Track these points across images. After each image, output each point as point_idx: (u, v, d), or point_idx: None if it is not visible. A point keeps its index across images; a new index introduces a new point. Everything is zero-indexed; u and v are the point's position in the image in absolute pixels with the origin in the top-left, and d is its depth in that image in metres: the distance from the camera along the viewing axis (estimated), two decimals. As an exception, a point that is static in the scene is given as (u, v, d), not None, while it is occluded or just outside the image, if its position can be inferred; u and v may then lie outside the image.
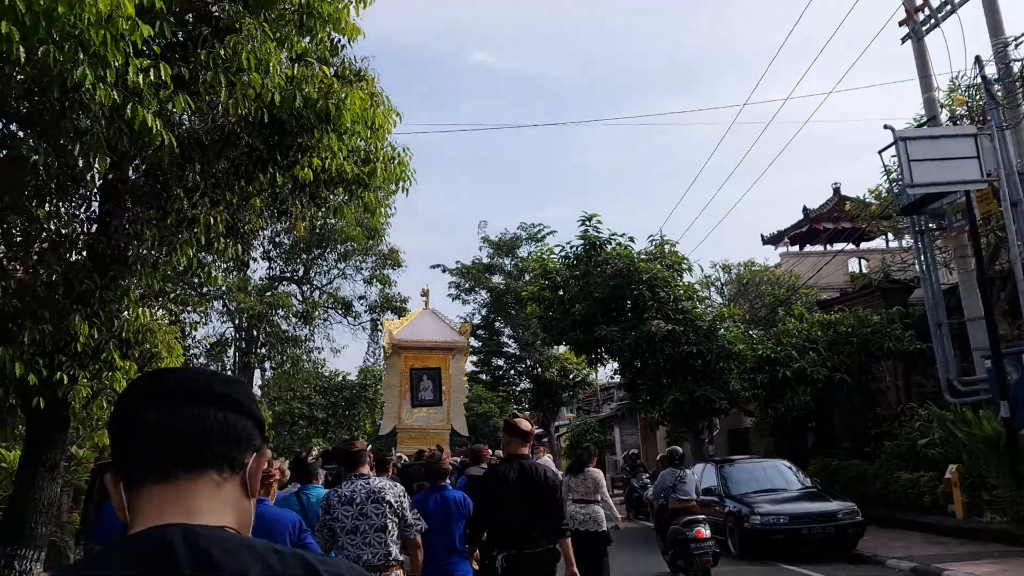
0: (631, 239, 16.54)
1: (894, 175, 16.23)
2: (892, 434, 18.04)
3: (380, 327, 17.37)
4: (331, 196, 7.82)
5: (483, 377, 39.71)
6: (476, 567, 6.04)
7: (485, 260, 38.50)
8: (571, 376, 38.87)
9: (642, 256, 16.12)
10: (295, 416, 27.10)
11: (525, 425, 5.34)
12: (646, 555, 13.19)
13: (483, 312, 39.00)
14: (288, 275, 16.99)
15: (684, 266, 16.64)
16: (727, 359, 16.19)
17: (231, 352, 15.74)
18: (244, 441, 1.12)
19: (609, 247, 16.62)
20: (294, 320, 16.36)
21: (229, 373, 15.73)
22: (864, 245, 27.35)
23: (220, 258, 7.90)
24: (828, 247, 26.97)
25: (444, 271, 37.94)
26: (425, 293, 16.53)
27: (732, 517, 12.73)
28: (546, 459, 10.97)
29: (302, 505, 5.55)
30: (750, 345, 16.72)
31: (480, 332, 39.03)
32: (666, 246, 16.81)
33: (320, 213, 8.13)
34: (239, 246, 8.23)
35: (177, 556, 0.98)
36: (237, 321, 14.71)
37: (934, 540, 12.71)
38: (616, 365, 18.85)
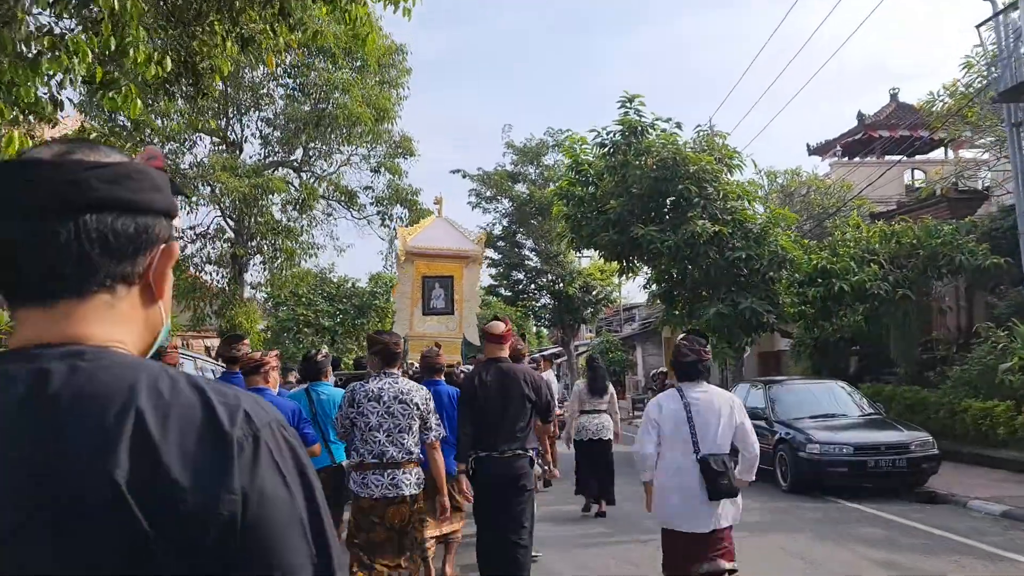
0: (678, 125, 14.42)
1: (992, 51, 13.88)
2: (950, 359, 16.25)
3: (388, 223, 15.41)
4: (306, 11, 5.91)
5: (502, 291, 38.06)
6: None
7: (508, 167, 36.41)
8: (594, 293, 37.17)
9: (689, 147, 13.99)
10: (300, 323, 25.56)
11: (499, 327, 5.34)
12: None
13: (504, 222, 37.12)
14: (284, 159, 15.04)
15: (735, 161, 14.53)
16: (779, 267, 14.25)
17: (218, 244, 13.96)
18: (140, 246, 0.94)
19: (652, 134, 14.51)
20: (289, 209, 14.46)
21: (216, 267, 13.93)
22: (921, 157, 25.00)
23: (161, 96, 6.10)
24: (881, 158, 24.62)
25: (464, 176, 35.99)
26: (438, 201, 14.86)
27: (783, 445, 11.03)
28: (547, 374, 10.58)
29: (311, 400, 5.59)
30: (805, 253, 14.72)
31: (500, 243, 37.22)
32: (716, 138, 14.67)
33: (295, 38, 6.21)
34: (194, 84, 6.35)
35: (51, 377, 0.85)
36: (222, 205, 12.87)
37: (1016, 479, 10.99)
38: (650, 273, 16.95)
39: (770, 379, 13.45)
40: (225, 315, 13.63)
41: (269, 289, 27.14)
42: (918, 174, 25.36)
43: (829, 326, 17.51)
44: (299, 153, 14.99)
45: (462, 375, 8.05)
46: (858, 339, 19.32)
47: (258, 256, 14.30)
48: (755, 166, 14.18)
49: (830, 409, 11.88)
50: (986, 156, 20.29)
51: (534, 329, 65.69)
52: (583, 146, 15.24)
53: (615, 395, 9.66)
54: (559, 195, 15.96)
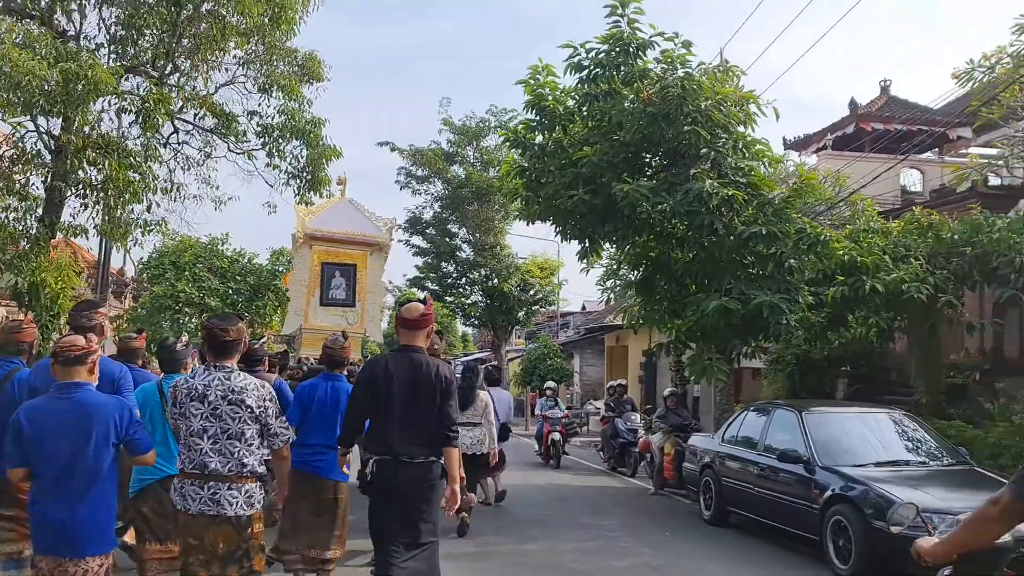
0: (685, 44, 10.39)
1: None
2: (971, 390, 13.03)
3: (278, 161, 11.15)
4: None
5: (429, 284, 33.88)
6: (346, 471, 5.49)
7: (445, 147, 32.34)
8: (531, 292, 33.32)
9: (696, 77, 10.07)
10: (180, 301, 20.92)
11: (414, 310, 4.69)
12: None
13: (436, 207, 33.00)
14: (134, 63, 10.62)
15: (752, 108, 10.74)
16: (806, 252, 10.54)
17: (18, 165, 9.40)
18: None
19: (649, 56, 10.57)
20: (127, 122, 10.02)
21: (16, 200, 9.74)
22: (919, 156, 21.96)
23: None
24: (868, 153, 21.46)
25: (393, 150, 31.78)
26: (342, 181, 12.88)
27: (841, 506, 7.22)
28: (494, 391, 9.70)
29: (163, 396, 4.94)
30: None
31: (430, 231, 33.12)
32: (730, 74, 10.81)
33: None
34: None
35: None
36: (15, 100, 8.39)
37: None
38: (618, 255, 13.14)
39: (799, 403, 9.68)
40: (22, 268, 9.19)
41: (94, 235, 22.45)
42: (914, 173, 22.31)
43: (836, 338, 14.02)
44: (153, 59, 10.55)
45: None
46: (852, 356, 16.06)
47: (79, 188, 9.76)
48: (777, 116, 10.15)
49: (898, 452, 8.18)
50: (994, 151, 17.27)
51: (460, 330, 61.68)
52: (548, 77, 11.24)
53: (490, 403, 8.96)
54: (511, 142, 11.96)
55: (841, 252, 11.29)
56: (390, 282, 39.58)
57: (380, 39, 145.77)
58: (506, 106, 32.07)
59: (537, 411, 16.10)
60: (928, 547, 2.65)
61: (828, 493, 7.42)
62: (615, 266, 16.95)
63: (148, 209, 11.01)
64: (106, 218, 10.21)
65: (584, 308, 46.05)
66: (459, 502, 4.68)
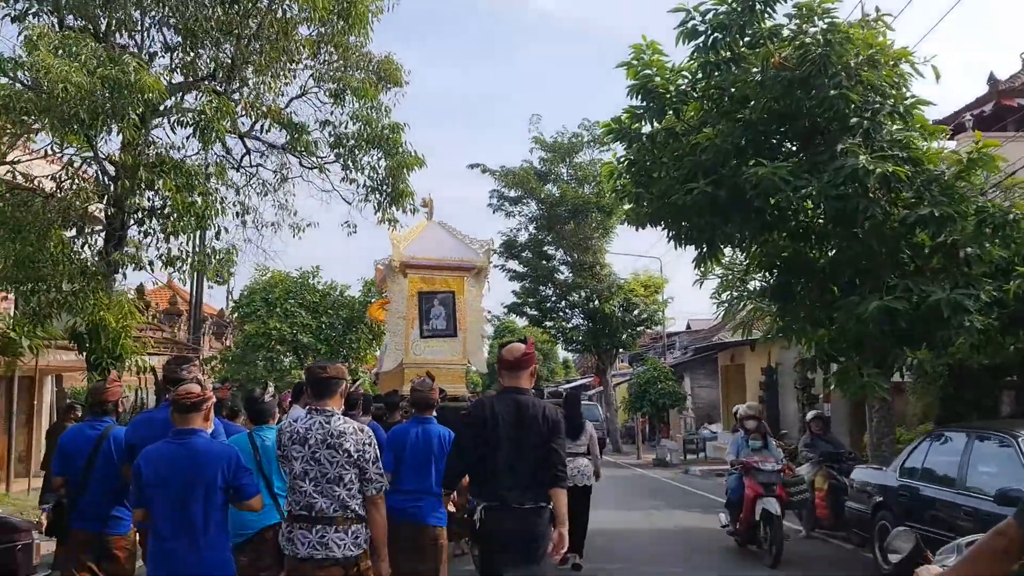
0: None
1: None
2: None
3: (355, 174, 9.96)
4: None
5: (527, 310, 32.54)
6: (452, 510, 5.46)
7: (536, 165, 31.12)
8: (635, 312, 31.51)
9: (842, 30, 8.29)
10: (271, 339, 20.15)
11: (516, 350, 4.59)
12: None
13: (531, 228, 31.73)
14: (190, 77, 9.66)
15: (903, 67, 8.90)
16: (990, 237, 8.60)
17: (76, 183, 8.48)
18: None
19: (778, 9, 8.85)
20: (184, 137, 8.97)
21: (73, 223, 8.92)
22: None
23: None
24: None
25: (484, 172, 30.73)
26: (427, 203, 11.79)
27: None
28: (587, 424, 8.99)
29: (254, 448, 5.09)
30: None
31: (525, 254, 31.84)
32: (880, 25, 8.95)
33: None
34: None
35: None
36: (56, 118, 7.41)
37: None
38: (742, 259, 11.43)
39: (1008, 425, 7.71)
40: (81, 307, 8.24)
41: (159, 267, 21.92)
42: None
43: (1012, 342, 11.80)
44: (214, 71, 9.59)
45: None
46: (1019, 365, 13.70)
47: (137, 214, 8.78)
48: (937, 76, 8.26)
49: None
50: None
51: (561, 356, 60.04)
52: (654, 55, 9.68)
53: (595, 435, 8.89)
54: (614, 133, 10.41)
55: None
56: (488, 311, 38.58)
57: (453, 80, 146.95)
58: (600, 118, 30.53)
59: (728, 455, 9.92)
60: None
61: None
62: (742, 271, 15.10)
63: (217, 236, 9.98)
64: (167, 248, 9.15)
65: (689, 327, 43.79)
66: (566, 546, 4.46)
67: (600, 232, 30.54)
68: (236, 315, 23.07)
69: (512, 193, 31.11)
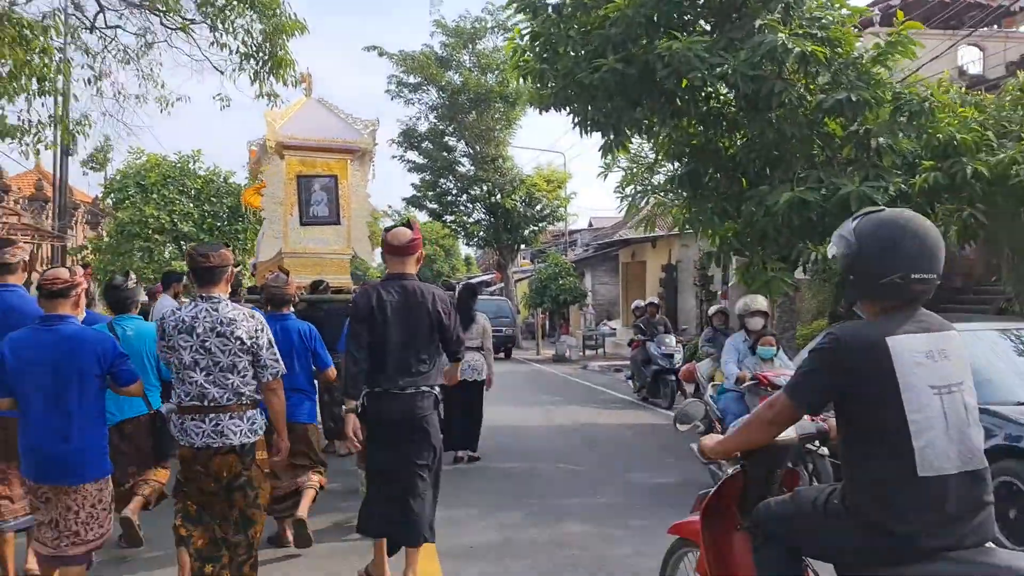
0: None
1: None
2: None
3: (225, 36, 8.72)
4: None
5: (427, 203, 31.57)
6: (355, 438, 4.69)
7: (438, 50, 29.56)
8: (537, 207, 31.00)
9: None
10: (147, 227, 18.67)
11: (402, 235, 4.54)
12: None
13: (431, 117, 30.42)
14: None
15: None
16: (904, 126, 8.24)
17: None
18: None
19: None
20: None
21: None
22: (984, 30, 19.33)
23: None
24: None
25: (381, 55, 29.02)
26: (305, 79, 10.64)
27: (1018, 464, 5.12)
28: (477, 316, 8.54)
29: (116, 338, 4.64)
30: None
31: (426, 144, 30.62)
32: None
33: None
34: None
35: None
36: None
37: None
38: (651, 145, 10.89)
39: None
40: None
41: (115, 184, 20.08)
42: (973, 51, 19.71)
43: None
44: None
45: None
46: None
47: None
48: None
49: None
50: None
51: (463, 252, 59.47)
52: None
53: (488, 329, 8.53)
54: (516, 2, 9.50)
55: (948, 125, 8.91)
56: (389, 206, 37.21)
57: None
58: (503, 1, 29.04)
59: (728, 365, 8.15)
60: (711, 445, 2.83)
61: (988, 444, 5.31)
62: (647, 164, 14.64)
63: (65, 104, 8.70)
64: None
65: (591, 225, 43.80)
66: (458, 375, 4.93)
67: (503, 124, 29.55)
68: (106, 200, 21.25)
69: (412, 79, 29.59)
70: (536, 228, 31.24)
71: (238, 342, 3.84)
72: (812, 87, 8.33)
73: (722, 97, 9.77)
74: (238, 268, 8.05)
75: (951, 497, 2.19)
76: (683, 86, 8.40)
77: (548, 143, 79.04)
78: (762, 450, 2.73)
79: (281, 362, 4.04)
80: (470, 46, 29.54)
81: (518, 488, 7.24)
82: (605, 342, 26.05)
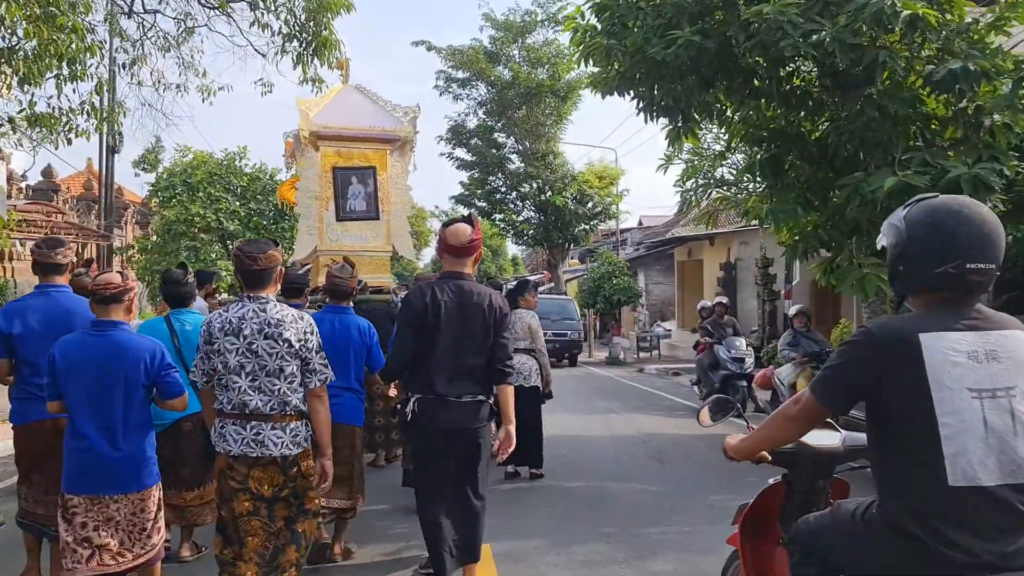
0: None
1: None
2: None
3: (263, 12, 8.08)
4: None
5: (476, 202, 30.89)
6: (393, 394, 4.99)
7: (487, 44, 28.88)
8: (589, 205, 30.07)
9: None
10: (193, 226, 18.28)
11: (461, 235, 4.25)
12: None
13: (480, 113, 29.74)
14: None
15: None
16: (1021, 101, 7.26)
17: None
18: None
19: None
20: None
21: None
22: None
23: None
24: None
25: (430, 50, 28.42)
26: (342, 65, 10.07)
27: None
28: (524, 314, 7.51)
29: (172, 332, 4.95)
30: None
31: (475, 141, 29.95)
32: None
33: None
34: None
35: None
36: None
37: None
38: (721, 131, 10.03)
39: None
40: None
41: (161, 185, 19.72)
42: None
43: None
44: None
45: (398, 302, 7.07)
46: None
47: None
48: None
49: None
50: None
51: (510, 252, 58.77)
52: None
53: (536, 328, 7.54)
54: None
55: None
56: (436, 206, 36.60)
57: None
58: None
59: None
60: (734, 444, 2.63)
61: None
62: (711, 156, 13.67)
63: (98, 91, 8.15)
64: (30, 99, 7.35)
65: (641, 224, 42.74)
66: (512, 445, 4.32)
67: (554, 119, 28.76)
68: (154, 199, 20.95)
69: (460, 75, 28.94)
70: (587, 226, 30.34)
71: (286, 345, 3.63)
72: (918, 58, 7.38)
73: (805, 75, 8.88)
74: (304, 268, 7.56)
75: (989, 511, 2.01)
76: (764, 63, 7.52)
77: (599, 139, 77.82)
78: (804, 458, 2.62)
79: (330, 368, 3.84)
80: (520, 40, 28.81)
81: (589, 513, 6.43)
82: (660, 344, 25.07)
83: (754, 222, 13.80)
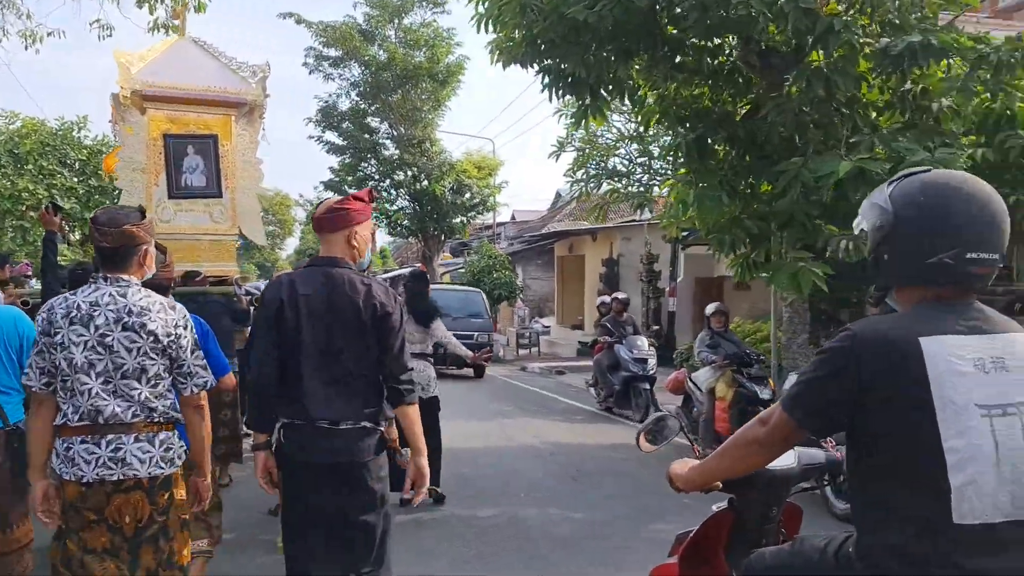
0: None
1: None
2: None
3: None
4: None
5: (347, 188, 29.08)
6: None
7: (360, 22, 27.20)
8: (467, 196, 28.95)
9: None
10: (21, 203, 15.89)
11: (325, 204, 3.42)
12: None
13: (353, 95, 28.02)
14: None
15: None
16: (980, 82, 6.67)
17: None
18: None
19: None
20: None
21: None
22: None
23: None
24: None
25: (299, 23, 26.47)
26: (178, 14, 8.70)
27: None
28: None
29: None
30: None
31: (346, 124, 28.23)
32: None
33: None
34: None
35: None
36: None
37: None
38: (643, 107, 9.15)
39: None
40: None
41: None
42: None
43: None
44: None
45: (246, 294, 6.78)
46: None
47: None
48: None
49: None
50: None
51: (380, 242, 56.83)
52: None
53: (438, 330, 6.57)
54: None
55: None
56: (300, 195, 34.30)
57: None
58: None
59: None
60: (683, 473, 2.21)
61: None
62: (603, 147, 13.03)
63: None
64: None
65: (514, 218, 42.10)
66: (427, 482, 3.39)
67: (431, 104, 27.42)
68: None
69: (332, 52, 27.13)
70: (465, 218, 29.21)
71: (150, 339, 2.96)
72: (868, 30, 6.68)
73: (732, 49, 8.12)
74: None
75: (1000, 555, 1.64)
76: (692, 32, 6.63)
77: (476, 129, 76.75)
78: (758, 481, 2.25)
79: (210, 371, 3.19)
80: (396, 20, 27.30)
81: (510, 555, 5.29)
82: (540, 340, 24.30)
83: (647, 214, 13.08)
